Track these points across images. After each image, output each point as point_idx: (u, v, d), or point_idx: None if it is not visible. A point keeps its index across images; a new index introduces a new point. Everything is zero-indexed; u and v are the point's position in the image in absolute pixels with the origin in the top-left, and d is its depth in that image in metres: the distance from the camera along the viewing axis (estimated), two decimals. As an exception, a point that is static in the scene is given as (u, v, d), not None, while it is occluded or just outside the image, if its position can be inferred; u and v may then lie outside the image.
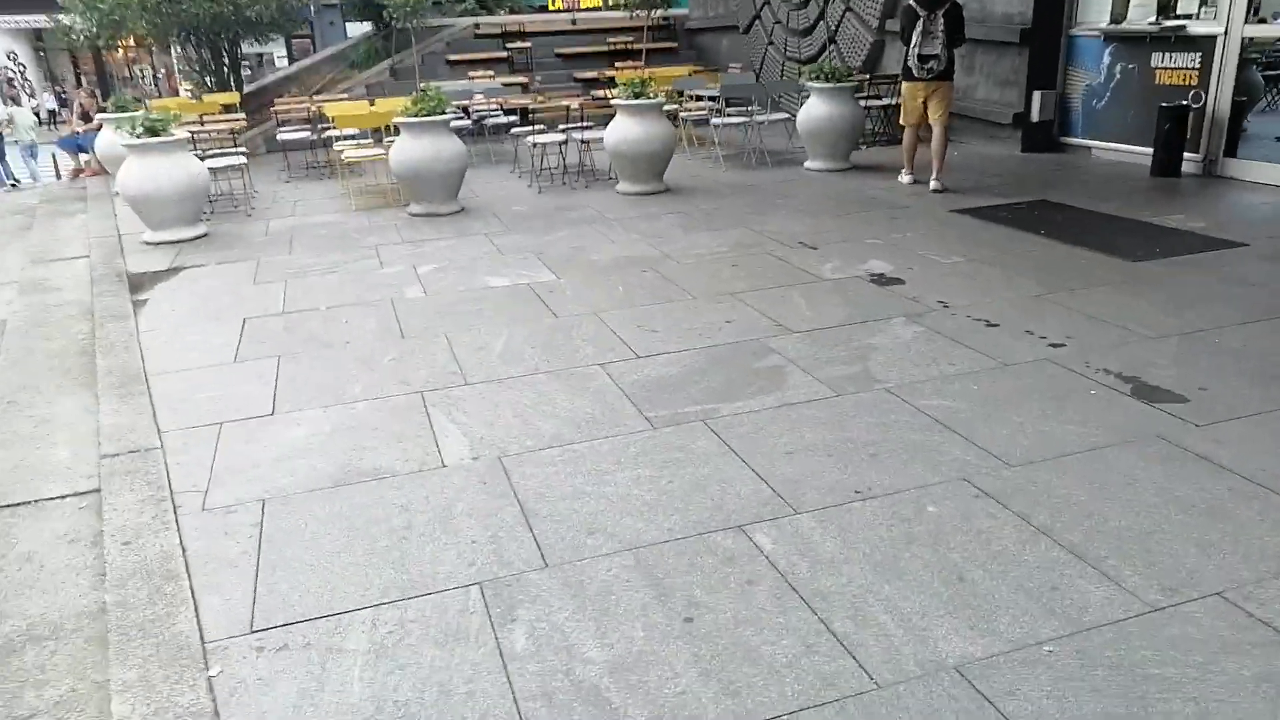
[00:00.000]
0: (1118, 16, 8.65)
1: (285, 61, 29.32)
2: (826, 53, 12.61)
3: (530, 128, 9.54)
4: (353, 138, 9.76)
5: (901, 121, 8.46)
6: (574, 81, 14.84)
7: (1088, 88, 9.08)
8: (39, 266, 7.09)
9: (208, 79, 12.88)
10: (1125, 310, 4.66)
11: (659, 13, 17.87)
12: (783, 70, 13.45)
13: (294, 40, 30.46)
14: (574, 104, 9.25)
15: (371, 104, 9.70)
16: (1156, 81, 8.30)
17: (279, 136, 10.22)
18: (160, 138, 7.17)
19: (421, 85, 13.92)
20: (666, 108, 8.69)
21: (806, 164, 9.24)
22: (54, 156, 14.33)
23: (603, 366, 4.24)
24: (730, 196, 8.10)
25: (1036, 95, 9.31)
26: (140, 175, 7.13)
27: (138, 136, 7.15)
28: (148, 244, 7.34)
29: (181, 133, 7.36)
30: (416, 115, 7.70)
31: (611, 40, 16.00)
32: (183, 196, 7.29)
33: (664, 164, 8.46)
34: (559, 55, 15.88)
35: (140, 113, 7.75)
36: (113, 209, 9.12)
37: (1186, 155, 7.91)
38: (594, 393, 3.93)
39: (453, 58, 15.49)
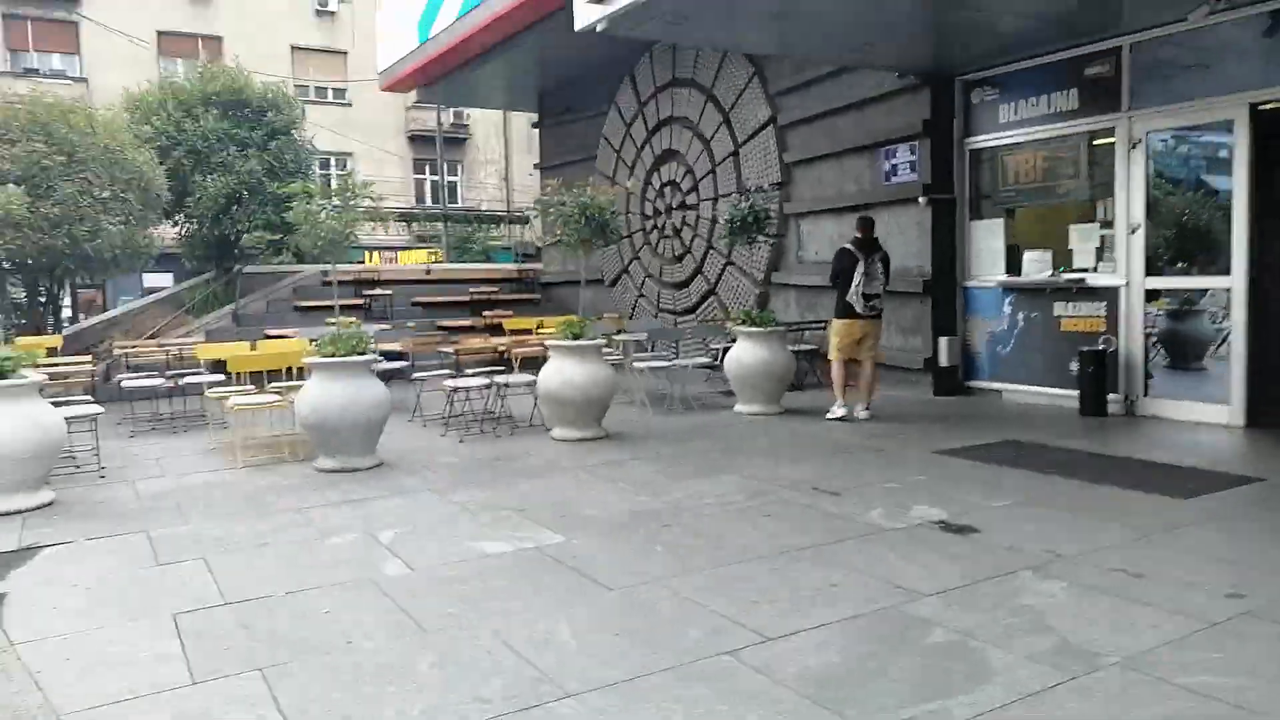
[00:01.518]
0: (1013, 270, 9.21)
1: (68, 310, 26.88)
2: (706, 303, 12.78)
3: (440, 371, 8.62)
4: (220, 384, 8.41)
5: (833, 357, 8.49)
6: (439, 329, 14.15)
7: (990, 334, 9.46)
8: None
9: (17, 320, 11.10)
10: (1244, 550, 4.27)
11: (515, 266, 17.98)
12: (657, 319, 13.46)
13: (79, 290, 28.20)
14: (500, 345, 8.47)
15: (253, 347, 8.47)
16: (1062, 328, 8.74)
17: (124, 384, 8.65)
18: (8, 380, 5.66)
19: (272, 331, 12.76)
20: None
21: (737, 408, 8.85)
22: None
23: (735, 656, 3.23)
24: (682, 442, 7.45)
25: (943, 341, 9.60)
26: (-25, 428, 5.53)
27: (-24, 379, 5.62)
28: (-29, 516, 5.59)
29: (36, 375, 5.87)
30: (333, 355, 6.66)
31: (473, 290, 15.66)
32: (32, 455, 5.69)
33: (603, 409, 7.77)
34: (416, 304, 15.27)
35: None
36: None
37: (1109, 396, 8.19)
38: (762, 700, 2.91)
39: (301, 304, 14.50)
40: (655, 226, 13.79)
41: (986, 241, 9.53)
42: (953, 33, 8.39)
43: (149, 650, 3.44)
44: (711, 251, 12.57)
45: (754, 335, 8.60)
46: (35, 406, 5.80)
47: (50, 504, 5.86)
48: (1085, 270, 8.55)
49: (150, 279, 24.21)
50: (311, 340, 8.66)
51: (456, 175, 35.88)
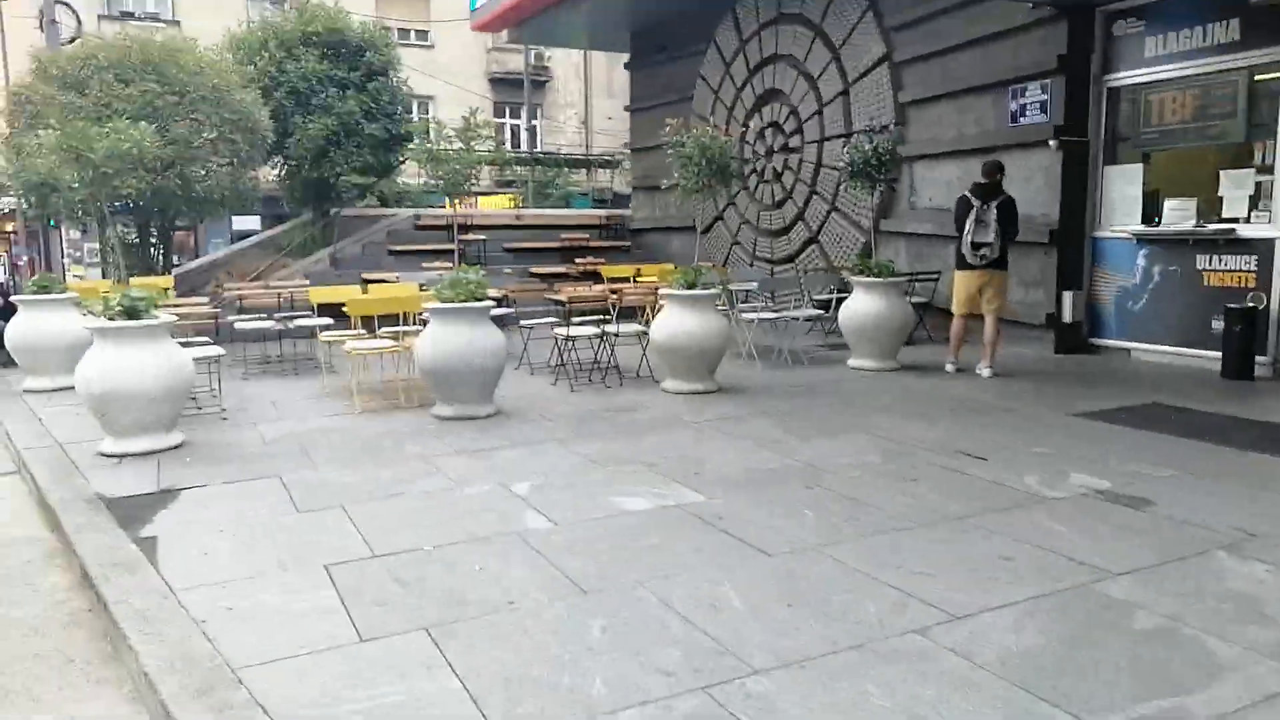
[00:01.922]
0: (1151, 219, 8.62)
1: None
2: (807, 252, 12.38)
3: (547, 319, 8.48)
4: (328, 328, 8.41)
5: (953, 310, 8.14)
6: (531, 276, 14.04)
7: (1120, 289, 8.92)
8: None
9: (129, 261, 11.30)
10: None
11: (603, 211, 17.74)
12: (753, 268, 13.10)
13: (174, 231, 28.91)
14: (613, 293, 8.26)
15: (363, 290, 8.43)
16: (1205, 284, 8.17)
17: (237, 325, 8.72)
18: (141, 320, 5.68)
19: (368, 275, 12.80)
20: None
21: (851, 362, 8.53)
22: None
23: (924, 634, 3.02)
24: (798, 397, 7.19)
25: (1067, 296, 9.09)
26: (110, 367, 5.56)
27: (111, 318, 5.64)
28: (108, 456, 5.67)
29: (166, 316, 5.88)
30: (452, 301, 6.55)
31: (565, 236, 15.47)
32: (164, 395, 5.73)
33: (717, 361, 7.54)
34: (509, 249, 15.16)
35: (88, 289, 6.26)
36: (30, 411, 7.31)
37: (1257, 359, 7.64)
38: (967, 685, 2.70)
39: (395, 248, 14.51)
40: (754, 170, 13.35)
41: (1121, 188, 8.94)
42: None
43: (309, 603, 3.38)
44: (815, 197, 12.11)
45: (872, 286, 8.23)
46: (167, 347, 5.83)
47: (180, 445, 5.91)
48: (1235, 220, 7.94)
49: (239, 222, 24.66)
50: (421, 286, 8.63)
51: (536, 119, 35.62)
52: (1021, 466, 5.06)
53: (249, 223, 25.69)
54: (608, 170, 32.57)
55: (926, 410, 6.64)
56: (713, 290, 7.43)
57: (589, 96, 36.98)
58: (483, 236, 14.51)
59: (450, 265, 13.52)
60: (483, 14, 16.78)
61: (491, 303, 6.71)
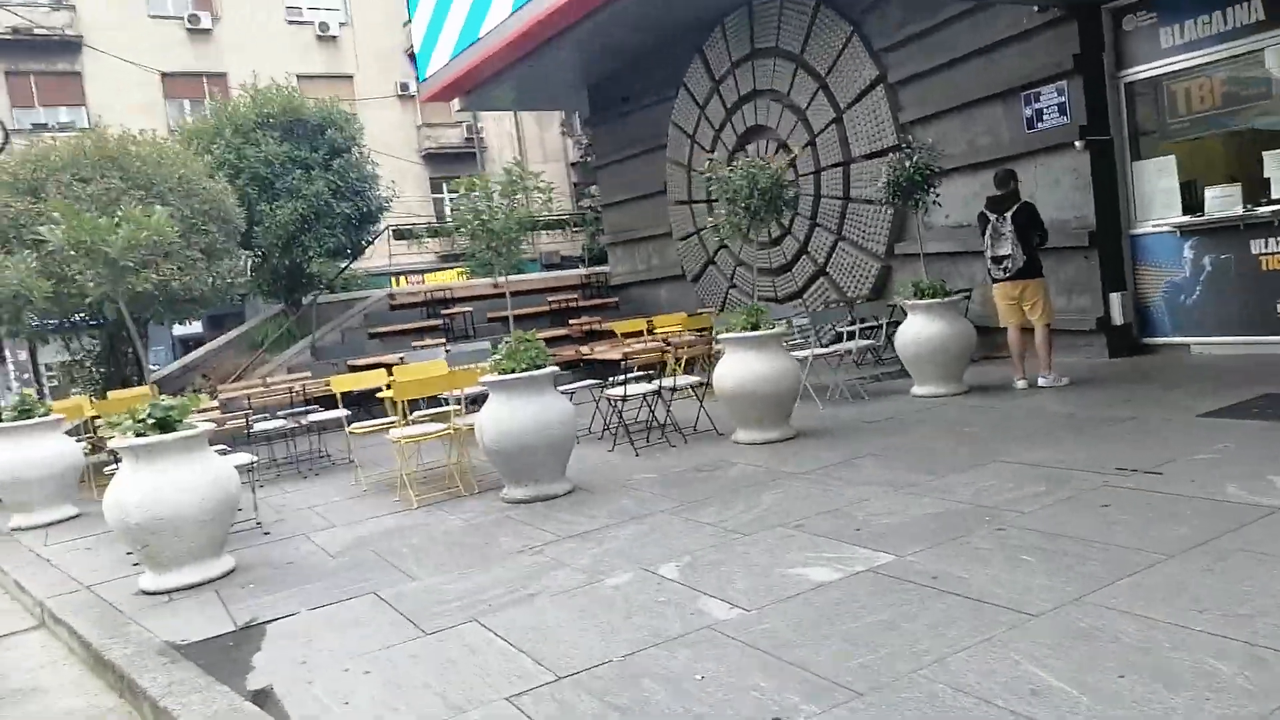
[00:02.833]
0: (1193, 209, 8.39)
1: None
2: (814, 285, 11.99)
3: (585, 383, 7.83)
4: (353, 418, 7.64)
5: (1001, 323, 7.98)
6: (461, 349, 13.35)
7: (1169, 284, 8.65)
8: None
9: (95, 371, 10.34)
10: None
11: (581, 271, 17.24)
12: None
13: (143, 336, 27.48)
14: (674, 345, 7.63)
15: (389, 373, 7.67)
16: (1263, 268, 7.93)
17: (256, 427, 7.87)
18: (179, 433, 4.89)
19: (355, 362, 11.99)
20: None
21: (915, 390, 8.05)
22: None
23: (1325, 696, 2.44)
24: (889, 435, 6.64)
25: (1115, 297, 8.79)
26: (150, 491, 4.75)
27: (141, 433, 4.85)
28: (153, 594, 4.82)
29: (203, 424, 5.09)
30: (512, 371, 5.88)
31: (551, 300, 14.87)
32: (214, 515, 4.93)
33: (792, 405, 6.98)
34: (493, 319, 14.48)
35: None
36: (31, 552, 6.37)
37: (1337, 338, 7.39)
38: None
39: (376, 330, 13.74)
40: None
41: (1155, 182, 8.72)
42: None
43: (528, 755, 2.67)
44: (817, 229, 11.77)
45: (931, 308, 7.80)
46: (210, 459, 5.04)
47: (232, 571, 5.09)
48: (1287, 200, 7.75)
49: (179, 329, 23.52)
50: (450, 363, 7.93)
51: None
52: (1204, 477, 4.57)
53: (189, 329, 24.54)
54: (553, 232, 32.09)
55: (1039, 431, 6.15)
56: (779, 329, 6.90)
57: (524, 163, 36.72)
58: (468, 309, 13.83)
59: (443, 341, 12.83)
60: (432, 85, 16.33)
61: (556, 368, 6.06)
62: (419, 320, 14.29)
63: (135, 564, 5.55)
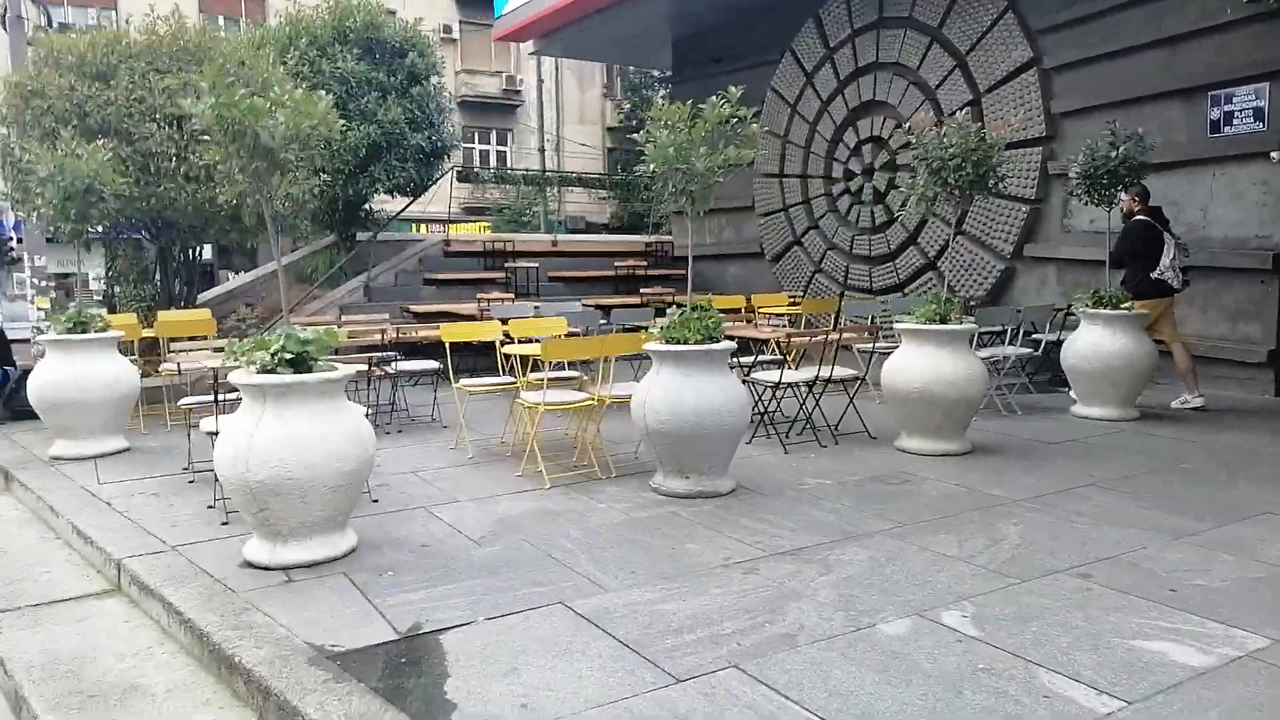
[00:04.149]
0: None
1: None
2: (921, 280, 11.06)
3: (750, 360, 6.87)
4: (438, 373, 6.69)
5: (1167, 340, 7.38)
6: (587, 308, 12.42)
7: (1355, 321, 7.78)
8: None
9: (140, 288, 9.33)
10: None
11: (647, 237, 16.30)
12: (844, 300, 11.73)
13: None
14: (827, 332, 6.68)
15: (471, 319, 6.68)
16: None
17: (400, 368, 6.84)
18: (318, 375, 3.94)
19: (415, 308, 11.01)
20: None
21: (1078, 410, 7.17)
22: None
23: None
24: (1094, 460, 5.74)
25: (1290, 330, 7.92)
26: (278, 444, 3.80)
27: (269, 369, 3.90)
28: (262, 568, 3.90)
29: (345, 367, 4.13)
30: (684, 342, 4.95)
31: (618, 265, 13.90)
32: (349, 480, 3.99)
33: (973, 414, 6.08)
34: (554, 279, 13.51)
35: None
36: (87, 493, 5.41)
37: None
38: None
39: (432, 276, 12.74)
40: (846, 190, 12.03)
41: (1356, 207, 7.83)
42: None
43: None
44: (933, 218, 10.81)
45: (1114, 320, 6.90)
46: (349, 410, 4.09)
47: (355, 549, 4.15)
48: None
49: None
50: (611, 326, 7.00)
51: (506, 145, 34.24)
52: None
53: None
54: (577, 195, 30.78)
55: (1273, 473, 5.27)
56: (970, 325, 5.97)
57: (560, 122, 35.65)
58: (533, 264, 12.83)
59: (509, 294, 11.88)
60: (508, 23, 15.29)
61: (732, 344, 5.12)
62: (477, 270, 13.31)
63: (224, 522, 4.64)
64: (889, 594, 3.53)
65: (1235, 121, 8.14)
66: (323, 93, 4.27)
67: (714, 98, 4.86)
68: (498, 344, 6.34)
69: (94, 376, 6.27)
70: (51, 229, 6.97)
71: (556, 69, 33.57)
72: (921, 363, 5.88)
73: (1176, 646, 3.03)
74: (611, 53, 18.32)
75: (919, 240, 11.05)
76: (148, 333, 7.66)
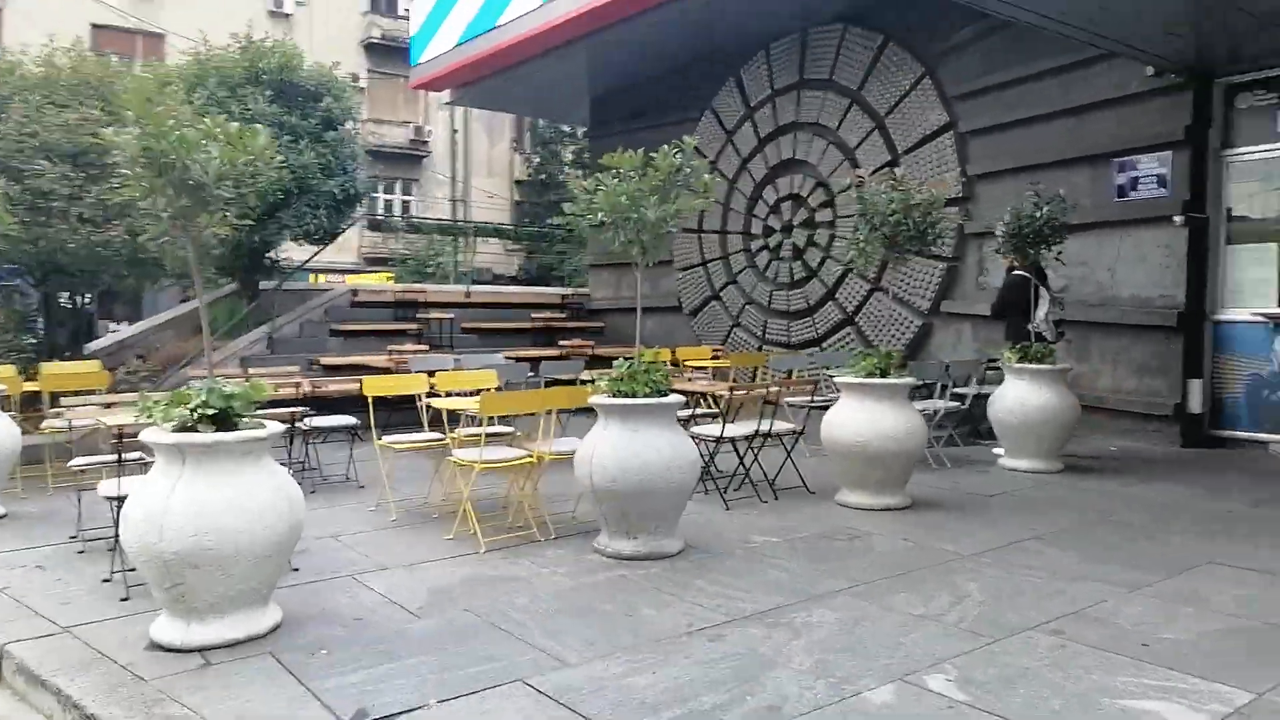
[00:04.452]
0: (1291, 301, 7.96)
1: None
2: (839, 335, 11.19)
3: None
4: (354, 429, 6.32)
5: None
6: (510, 360, 12.11)
7: (1253, 376, 8.16)
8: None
9: (18, 338, 8.60)
10: None
11: (561, 290, 16.14)
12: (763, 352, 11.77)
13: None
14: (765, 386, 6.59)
15: (430, 375, 6.35)
16: (1366, 371, 7.51)
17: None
18: (242, 433, 3.59)
19: (327, 360, 10.51)
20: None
21: (1006, 462, 7.26)
22: None
23: None
24: (1025, 514, 5.77)
25: (1194, 385, 8.26)
26: (198, 508, 3.41)
27: (188, 427, 3.52)
28: (177, 650, 3.47)
29: (271, 423, 3.77)
30: (633, 395, 4.77)
31: (535, 316, 13.65)
32: (276, 548, 3.62)
33: (912, 468, 6.05)
34: (468, 330, 13.15)
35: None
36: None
37: None
38: None
39: (339, 327, 12.24)
40: (765, 246, 12.15)
41: (1249, 270, 8.26)
42: (1221, 28, 7.19)
43: None
44: (851, 274, 10.98)
45: (1039, 375, 7.04)
46: (275, 472, 3.73)
47: (280, 625, 3.76)
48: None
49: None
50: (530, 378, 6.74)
51: (411, 194, 33.86)
52: None
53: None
54: (492, 241, 30.37)
55: (1196, 525, 5.39)
56: (909, 379, 5.98)
57: (468, 173, 35.45)
58: (448, 315, 12.47)
59: (423, 346, 11.48)
60: (424, 71, 15.06)
61: (680, 398, 4.96)
62: (387, 321, 12.86)
63: (125, 598, 4.16)
64: (866, 658, 3.37)
65: (1140, 187, 8.55)
66: (259, 126, 3.96)
67: (665, 147, 4.76)
68: (420, 398, 6.02)
69: (-27, 435, 5.66)
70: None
71: (465, 121, 33.43)
72: (860, 416, 5.84)
73: (1167, 705, 2.95)
74: (529, 105, 18.29)
75: (837, 296, 11.21)
76: (29, 386, 7.01)
